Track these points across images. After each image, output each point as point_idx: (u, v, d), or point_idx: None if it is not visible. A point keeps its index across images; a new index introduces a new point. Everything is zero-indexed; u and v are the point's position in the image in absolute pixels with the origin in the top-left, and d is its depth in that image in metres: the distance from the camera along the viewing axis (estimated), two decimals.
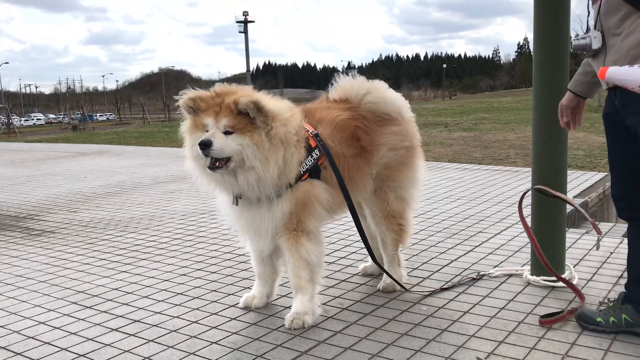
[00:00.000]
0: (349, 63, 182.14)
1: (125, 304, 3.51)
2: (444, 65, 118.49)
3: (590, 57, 2.69)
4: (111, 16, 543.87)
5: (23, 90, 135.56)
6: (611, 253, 4.09)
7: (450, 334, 2.92)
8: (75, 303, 3.56)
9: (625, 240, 4.20)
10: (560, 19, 3.34)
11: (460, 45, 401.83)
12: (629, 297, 2.82)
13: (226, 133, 2.87)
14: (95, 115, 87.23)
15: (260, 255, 3.32)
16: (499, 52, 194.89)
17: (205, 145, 2.80)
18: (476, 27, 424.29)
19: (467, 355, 2.69)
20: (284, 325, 3.08)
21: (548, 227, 3.54)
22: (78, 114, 71.57)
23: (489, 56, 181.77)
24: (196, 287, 3.75)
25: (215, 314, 3.31)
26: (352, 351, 2.77)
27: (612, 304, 2.89)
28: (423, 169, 3.61)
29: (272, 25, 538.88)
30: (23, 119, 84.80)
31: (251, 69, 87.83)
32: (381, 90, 3.45)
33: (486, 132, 17.73)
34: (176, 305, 3.46)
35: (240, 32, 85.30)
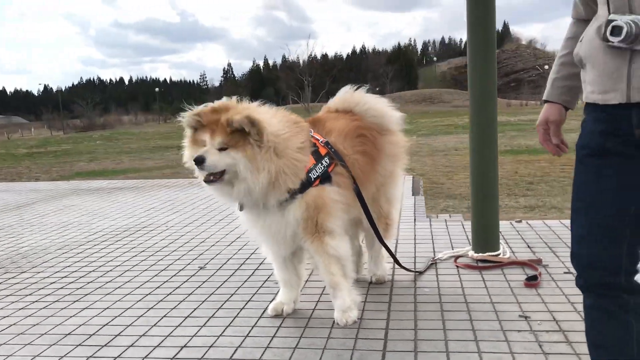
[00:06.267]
0: (45, 86, 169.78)
1: (165, 335, 3.29)
2: (157, 89, 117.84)
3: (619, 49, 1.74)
4: None
5: None
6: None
7: (476, 304, 3.47)
8: (85, 345, 3.19)
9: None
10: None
11: (164, 70, 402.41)
12: None
13: (221, 149, 3.03)
14: None
15: (282, 261, 3.47)
16: (206, 77, 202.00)
17: (199, 162, 3.02)
18: (177, 51, 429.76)
19: (510, 314, 3.31)
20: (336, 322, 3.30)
21: (485, 209, 4.37)
22: None
23: (195, 81, 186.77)
24: (218, 308, 3.69)
25: (254, 326, 3.35)
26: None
27: None
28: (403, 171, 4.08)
29: None
30: None
31: None
32: (380, 105, 3.76)
33: None
34: (212, 326, 3.41)
35: None
